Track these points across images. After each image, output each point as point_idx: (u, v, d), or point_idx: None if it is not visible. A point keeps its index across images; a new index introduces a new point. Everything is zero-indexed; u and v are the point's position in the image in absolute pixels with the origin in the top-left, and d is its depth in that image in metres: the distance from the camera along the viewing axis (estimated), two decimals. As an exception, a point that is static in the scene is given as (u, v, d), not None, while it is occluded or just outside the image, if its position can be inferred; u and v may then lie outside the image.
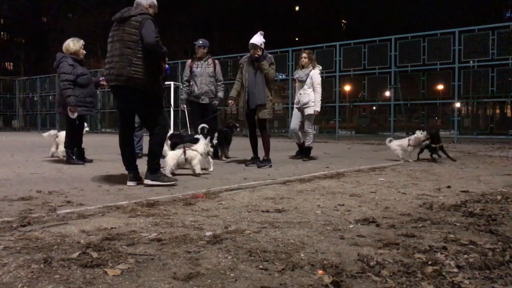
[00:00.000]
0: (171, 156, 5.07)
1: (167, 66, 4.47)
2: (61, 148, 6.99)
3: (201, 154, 5.18)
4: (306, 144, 7.64)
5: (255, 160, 6.47)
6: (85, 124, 7.40)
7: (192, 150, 5.17)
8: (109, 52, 4.29)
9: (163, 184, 4.25)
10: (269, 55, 6.35)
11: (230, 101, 6.34)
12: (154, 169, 4.30)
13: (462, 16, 30.59)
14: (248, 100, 6.28)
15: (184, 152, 5.06)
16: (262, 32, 6.36)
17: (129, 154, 4.45)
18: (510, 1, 33.76)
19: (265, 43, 6.29)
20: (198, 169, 5.11)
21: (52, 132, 7.32)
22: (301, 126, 7.67)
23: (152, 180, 4.25)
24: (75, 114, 6.29)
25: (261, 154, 6.48)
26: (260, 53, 6.19)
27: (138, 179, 4.37)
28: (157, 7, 4.56)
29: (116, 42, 4.21)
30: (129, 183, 4.32)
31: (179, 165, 5.12)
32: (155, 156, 4.34)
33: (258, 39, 6.23)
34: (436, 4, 34.32)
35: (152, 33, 4.08)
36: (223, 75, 7.81)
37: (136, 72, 4.10)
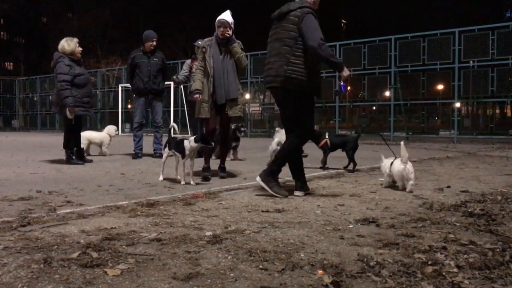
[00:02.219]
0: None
1: (342, 83, 3.88)
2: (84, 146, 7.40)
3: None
4: None
5: (209, 170, 5.00)
6: (115, 128, 8.06)
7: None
8: (268, 53, 4.00)
9: (270, 192, 3.73)
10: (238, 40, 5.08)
11: (196, 95, 4.91)
12: (272, 172, 3.84)
13: (462, 16, 30.60)
14: (215, 93, 4.92)
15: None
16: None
17: (301, 168, 3.98)
18: (510, 1, 33.77)
19: (234, 24, 5.00)
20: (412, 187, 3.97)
21: None
22: None
23: (262, 180, 3.78)
24: (73, 114, 6.28)
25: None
26: (230, 33, 4.92)
27: (306, 189, 3.89)
28: (318, 4, 4.00)
29: (274, 41, 3.88)
30: (297, 193, 3.83)
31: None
32: (280, 162, 3.88)
33: (229, 16, 4.96)
34: (436, 4, 34.33)
35: (314, 33, 3.64)
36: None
37: (293, 71, 3.70)
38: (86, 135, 7.78)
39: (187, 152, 4.37)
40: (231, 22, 4.91)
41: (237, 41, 5.00)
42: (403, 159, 3.96)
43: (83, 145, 7.47)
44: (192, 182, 4.42)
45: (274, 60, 3.84)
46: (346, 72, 3.83)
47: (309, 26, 3.69)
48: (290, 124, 3.95)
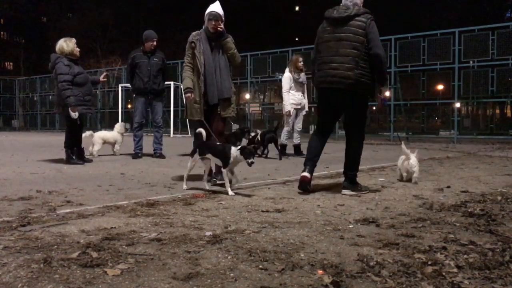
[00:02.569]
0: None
1: (383, 98, 4.11)
2: (96, 147, 7.57)
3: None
4: (298, 141, 8.19)
5: (213, 175, 4.64)
6: (122, 124, 8.11)
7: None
8: (324, 51, 3.96)
9: (361, 193, 3.90)
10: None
11: (188, 94, 4.51)
12: (354, 179, 4.00)
13: (462, 16, 30.61)
14: (207, 92, 4.56)
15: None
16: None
17: (316, 160, 4.14)
18: (510, 1, 33.77)
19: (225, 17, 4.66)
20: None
21: (88, 133, 7.64)
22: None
23: (352, 190, 3.90)
24: (76, 114, 6.30)
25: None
26: (223, 26, 4.57)
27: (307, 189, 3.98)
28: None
29: (337, 42, 3.88)
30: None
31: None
32: (356, 166, 4.04)
33: (220, 8, 4.59)
34: (436, 4, 34.33)
35: (380, 42, 3.88)
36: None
37: (362, 75, 3.82)
38: (101, 135, 7.86)
39: (231, 160, 3.79)
40: (222, 15, 4.56)
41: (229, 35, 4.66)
42: (407, 156, 4.70)
43: (98, 145, 7.56)
44: (230, 192, 3.80)
45: (342, 61, 3.83)
46: (387, 90, 4.19)
47: (376, 33, 3.86)
48: (350, 127, 4.09)
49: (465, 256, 2.02)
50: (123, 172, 5.39)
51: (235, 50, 4.67)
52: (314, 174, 5.34)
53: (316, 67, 4.05)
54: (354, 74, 3.79)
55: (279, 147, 7.68)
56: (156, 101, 7.62)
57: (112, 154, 7.92)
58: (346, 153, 4.10)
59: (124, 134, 8.17)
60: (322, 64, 3.97)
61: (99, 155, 7.58)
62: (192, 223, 2.70)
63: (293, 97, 7.93)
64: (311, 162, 4.07)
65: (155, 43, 7.40)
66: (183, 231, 2.49)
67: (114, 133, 8.05)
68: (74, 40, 6.55)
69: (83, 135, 7.20)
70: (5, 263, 1.89)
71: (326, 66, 3.93)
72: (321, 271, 1.82)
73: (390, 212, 3.11)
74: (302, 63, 7.99)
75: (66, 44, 6.41)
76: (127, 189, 4.08)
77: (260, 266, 1.89)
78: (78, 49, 6.57)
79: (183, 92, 4.65)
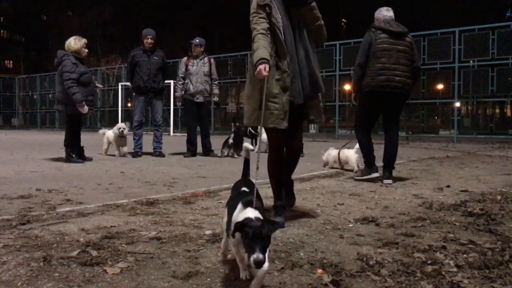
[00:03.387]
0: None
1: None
2: (104, 146, 7.74)
3: None
4: None
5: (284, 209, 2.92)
6: (120, 126, 7.86)
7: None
8: (385, 59, 4.49)
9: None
10: None
11: (263, 65, 2.52)
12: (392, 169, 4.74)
13: (462, 16, 30.59)
14: (294, 86, 2.77)
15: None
16: None
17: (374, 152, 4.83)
18: (510, 1, 33.74)
19: None
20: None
21: (101, 131, 7.85)
22: None
23: (392, 181, 4.58)
24: (86, 108, 6.30)
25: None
26: None
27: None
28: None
29: (397, 52, 4.51)
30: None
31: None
32: (396, 156, 4.79)
33: None
34: (436, 4, 34.31)
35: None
36: (223, 74, 7.86)
37: (409, 84, 4.59)
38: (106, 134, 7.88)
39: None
40: None
41: None
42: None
43: (105, 145, 7.70)
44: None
45: (403, 70, 4.52)
46: None
47: (417, 52, 4.75)
48: (394, 124, 4.77)
49: (465, 255, 2.03)
50: (123, 171, 5.39)
51: (321, 21, 2.99)
52: (314, 173, 5.37)
53: (375, 71, 4.52)
54: (409, 82, 4.57)
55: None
56: (156, 100, 7.61)
57: (114, 154, 7.88)
58: (388, 148, 4.73)
59: (114, 135, 7.74)
60: (384, 70, 4.49)
61: (98, 154, 7.57)
62: (192, 222, 2.70)
63: None
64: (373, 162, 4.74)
65: (149, 40, 7.38)
66: (182, 230, 2.49)
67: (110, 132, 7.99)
68: (84, 40, 6.58)
69: (100, 132, 7.24)
70: (4, 262, 1.89)
71: (389, 72, 4.49)
72: (320, 270, 1.82)
73: (390, 211, 3.12)
74: None
75: (74, 42, 6.45)
76: (127, 188, 4.07)
77: (260, 265, 1.88)
78: (86, 50, 6.60)
79: (254, 64, 2.64)
